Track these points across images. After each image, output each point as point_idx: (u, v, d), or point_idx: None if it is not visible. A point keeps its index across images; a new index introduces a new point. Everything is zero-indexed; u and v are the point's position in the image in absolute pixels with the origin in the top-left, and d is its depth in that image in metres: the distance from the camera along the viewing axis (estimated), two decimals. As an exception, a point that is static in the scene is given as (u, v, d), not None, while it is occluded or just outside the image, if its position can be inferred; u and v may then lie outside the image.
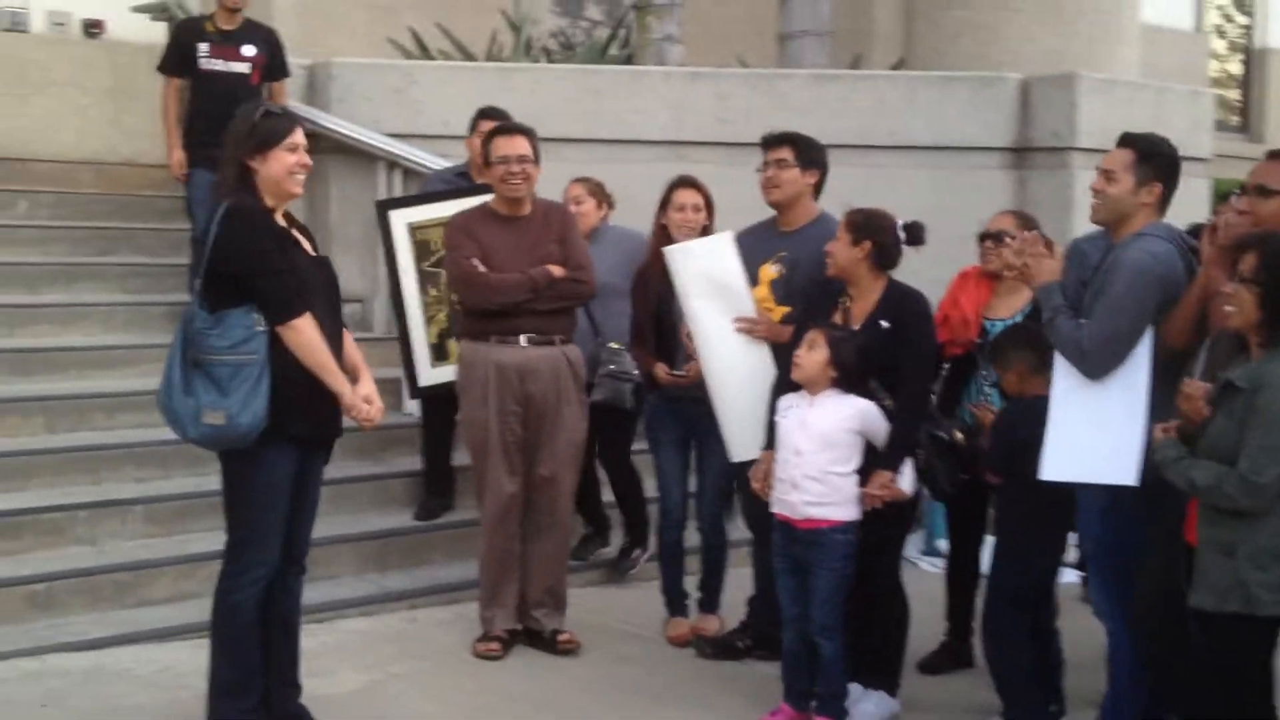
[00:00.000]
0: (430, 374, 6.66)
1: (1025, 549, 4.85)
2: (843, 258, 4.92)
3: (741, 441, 5.25)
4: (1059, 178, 7.73)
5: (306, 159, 4.33)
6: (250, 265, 4.19)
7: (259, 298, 4.19)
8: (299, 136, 4.32)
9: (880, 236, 4.93)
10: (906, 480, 4.81)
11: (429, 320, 6.69)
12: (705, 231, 5.68)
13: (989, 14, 9.85)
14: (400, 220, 6.72)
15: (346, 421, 6.50)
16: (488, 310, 5.43)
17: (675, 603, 5.89)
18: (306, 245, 4.43)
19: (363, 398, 4.37)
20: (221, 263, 4.20)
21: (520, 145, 5.48)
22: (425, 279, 6.69)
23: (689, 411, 5.63)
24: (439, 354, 6.65)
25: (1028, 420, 4.71)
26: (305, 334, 4.21)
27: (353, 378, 4.42)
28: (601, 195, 6.49)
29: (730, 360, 5.30)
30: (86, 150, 9.91)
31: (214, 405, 4.13)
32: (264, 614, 4.41)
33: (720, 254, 5.34)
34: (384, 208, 6.83)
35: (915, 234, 5.05)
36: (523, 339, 5.41)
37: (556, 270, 5.41)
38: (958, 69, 9.30)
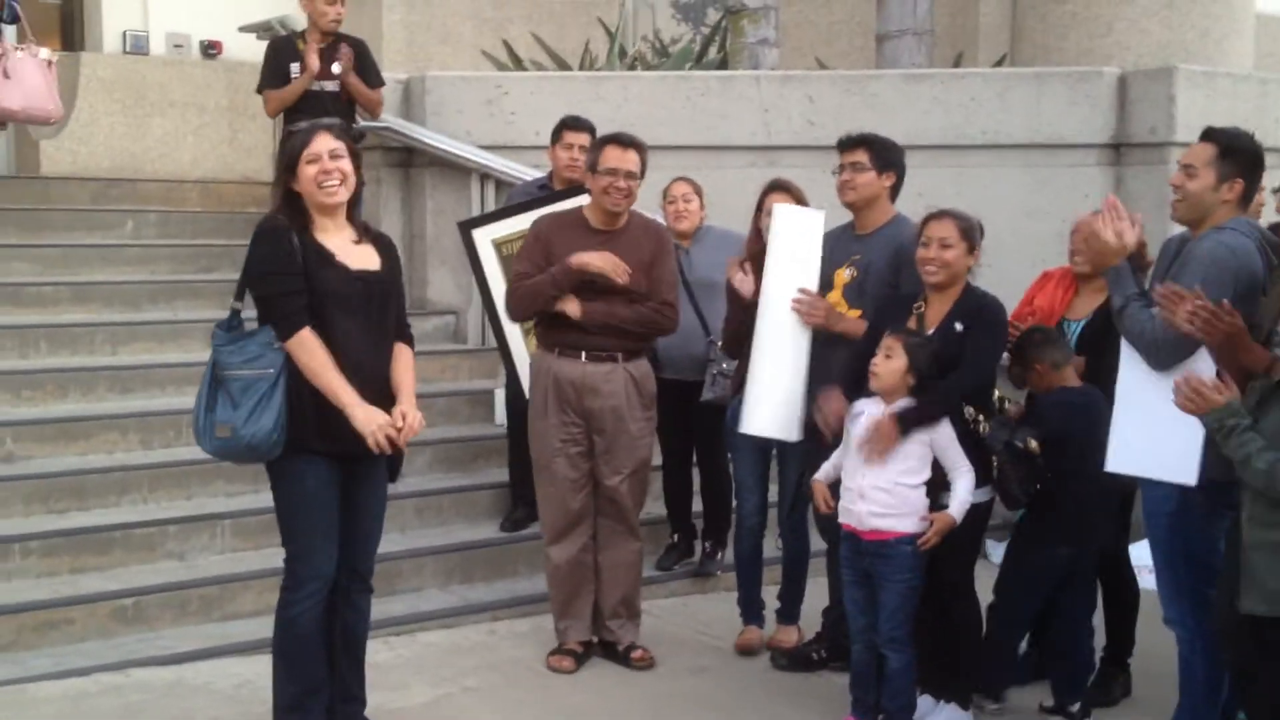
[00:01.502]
0: None
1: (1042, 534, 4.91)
2: (960, 267, 4.86)
3: (754, 414, 5.28)
4: (1157, 174, 7.50)
5: (329, 166, 4.33)
6: (258, 284, 4.33)
7: (267, 315, 4.31)
8: (317, 146, 4.34)
9: (979, 242, 4.92)
10: (964, 491, 4.71)
11: (525, 334, 6.70)
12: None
13: (1099, 7, 9.64)
14: (484, 238, 6.74)
15: (437, 433, 6.65)
16: (527, 318, 5.45)
17: (749, 612, 5.85)
18: (352, 260, 4.40)
19: (399, 414, 4.36)
20: (245, 278, 4.39)
21: (631, 160, 5.43)
22: None
23: None
24: None
25: (1056, 415, 4.80)
26: (304, 351, 4.25)
27: (395, 395, 4.44)
28: (701, 195, 6.48)
29: (775, 332, 5.28)
30: (202, 169, 10.22)
31: (225, 419, 4.24)
32: (328, 630, 4.47)
33: (810, 228, 5.30)
34: (466, 228, 6.85)
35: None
36: (583, 354, 5.40)
37: (592, 260, 5.29)
38: (1066, 64, 9.12)
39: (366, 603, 4.62)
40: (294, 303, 4.27)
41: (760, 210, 5.72)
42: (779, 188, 5.73)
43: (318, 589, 4.38)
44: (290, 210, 4.38)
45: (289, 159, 4.37)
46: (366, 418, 4.27)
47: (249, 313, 4.40)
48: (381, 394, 4.42)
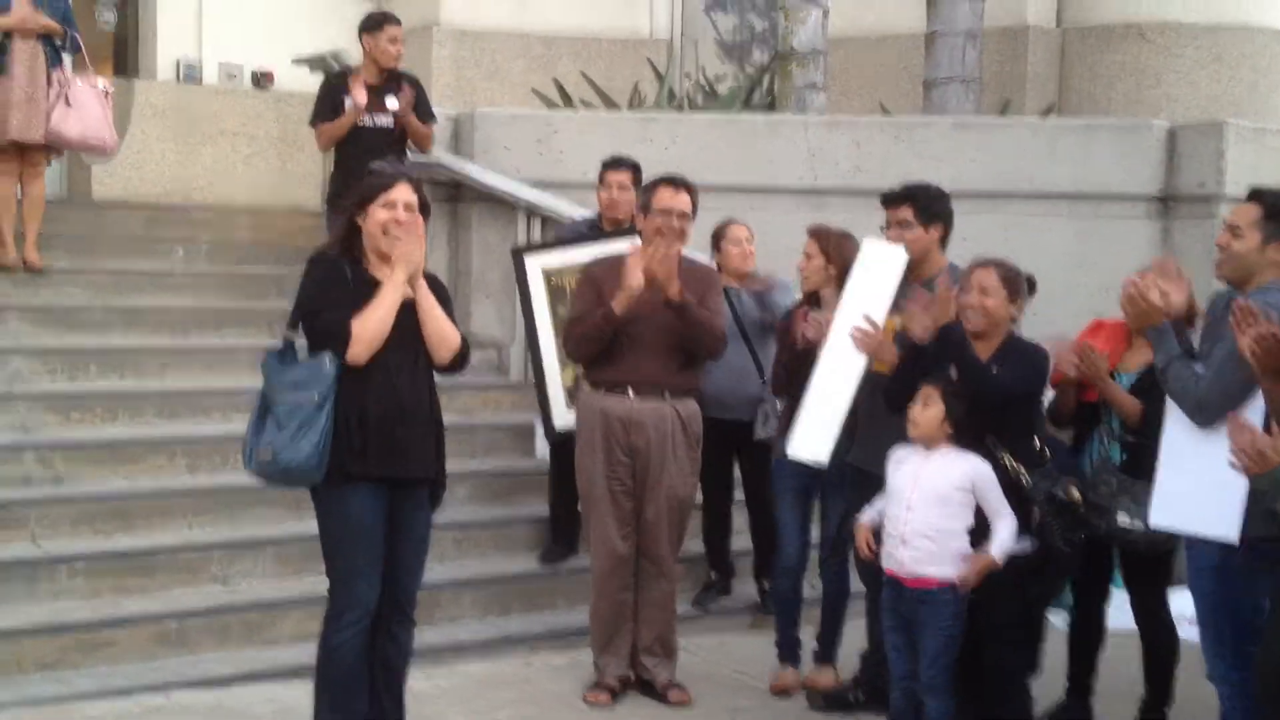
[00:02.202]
0: (565, 417, 6.69)
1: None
2: (1000, 314, 4.91)
3: (794, 437, 5.29)
4: (1205, 228, 7.49)
5: (401, 215, 4.40)
6: (311, 305, 4.39)
7: (321, 336, 4.34)
8: (396, 194, 4.41)
9: (1024, 292, 4.97)
10: (1006, 534, 4.71)
11: (564, 365, 6.77)
12: (839, 281, 5.59)
13: (1148, 58, 9.69)
14: (535, 265, 6.84)
15: (472, 465, 6.69)
16: (588, 358, 5.49)
17: (786, 653, 5.86)
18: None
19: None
20: (296, 306, 4.46)
21: (684, 201, 5.50)
22: (560, 324, 6.77)
23: None
24: (574, 398, 6.71)
25: None
26: (362, 336, 4.29)
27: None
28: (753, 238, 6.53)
29: (832, 360, 5.27)
30: (251, 198, 10.32)
31: (268, 442, 4.29)
32: (371, 660, 4.47)
33: (892, 265, 5.27)
34: (519, 254, 6.96)
35: (1031, 286, 5.05)
36: (630, 391, 5.44)
37: (632, 284, 5.31)
38: (1113, 114, 9.15)
39: (408, 635, 4.61)
40: (334, 316, 4.32)
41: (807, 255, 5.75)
42: (810, 233, 5.77)
43: (359, 617, 4.39)
44: (348, 243, 4.46)
45: (365, 195, 4.44)
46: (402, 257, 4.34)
47: (303, 340, 4.45)
48: (424, 428, 4.50)
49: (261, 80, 10.96)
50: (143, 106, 10.25)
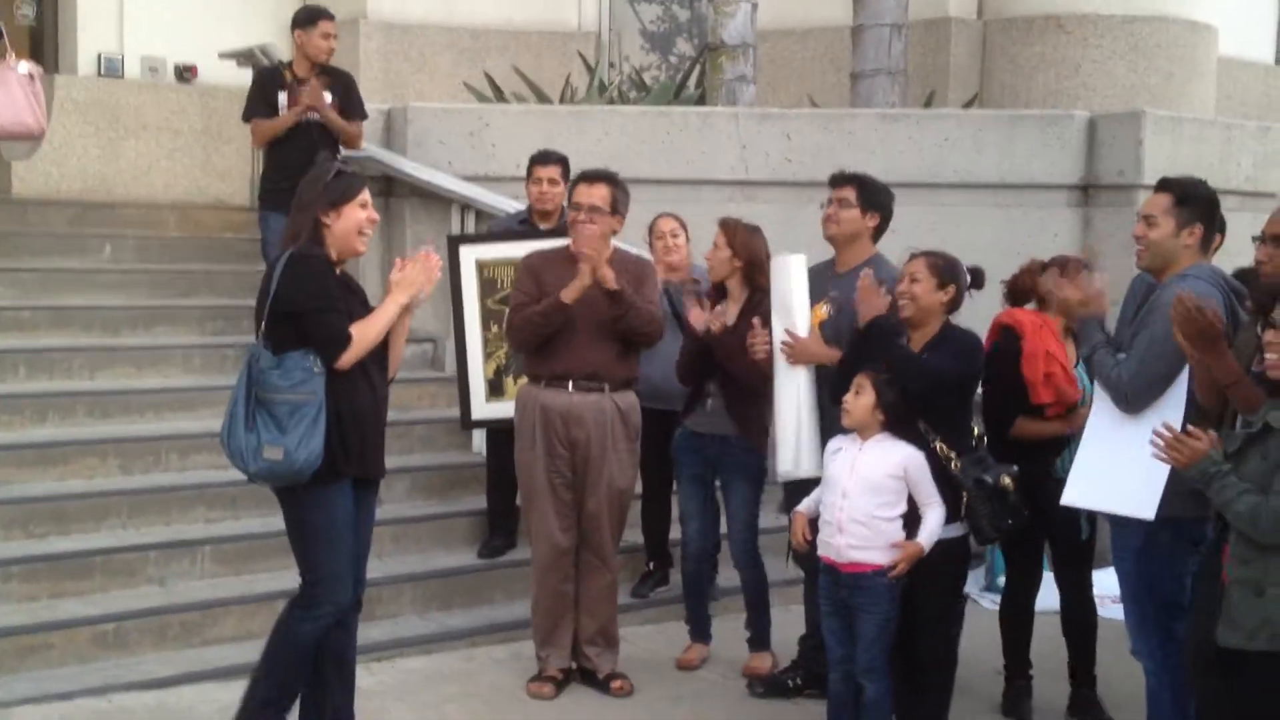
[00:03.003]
0: (483, 408, 6.81)
1: None
2: (927, 301, 4.97)
3: (780, 459, 5.37)
4: (1125, 215, 7.65)
5: (375, 215, 4.56)
6: (304, 305, 4.38)
7: (313, 336, 4.38)
8: (366, 195, 4.54)
9: (959, 282, 5.03)
10: (934, 523, 4.81)
11: (488, 356, 6.83)
12: (745, 273, 5.78)
13: (1066, 50, 9.86)
14: (470, 256, 6.89)
15: (409, 461, 6.71)
16: (532, 345, 5.53)
17: (696, 630, 6.04)
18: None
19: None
20: (280, 304, 4.40)
21: (596, 194, 5.55)
22: (489, 315, 6.84)
23: (711, 448, 5.82)
24: (494, 390, 6.80)
25: None
26: (358, 343, 4.41)
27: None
28: (687, 230, 6.58)
29: (781, 380, 5.38)
30: (175, 193, 10.23)
31: (274, 441, 4.30)
32: (322, 650, 4.56)
33: (796, 273, 5.39)
34: (455, 243, 7.00)
35: (978, 279, 5.16)
36: (569, 384, 5.48)
37: (575, 286, 5.37)
38: (1033, 106, 9.31)
39: (355, 623, 4.74)
40: (340, 321, 4.42)
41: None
42: (719, 224, 5.84)
43: (332, 614, 4.49)
44: (309, 241, 4.48)
45: (340, 196, 4.48)
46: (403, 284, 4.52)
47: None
48: (382, 428, 4.65)
49: (184, 74, 10.84)
50: (63, 101, 10.10)
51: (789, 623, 5.98)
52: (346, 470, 4.44)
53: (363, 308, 4.57)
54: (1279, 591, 3.73)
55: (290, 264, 4.44)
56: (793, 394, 5.33)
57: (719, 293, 5.85)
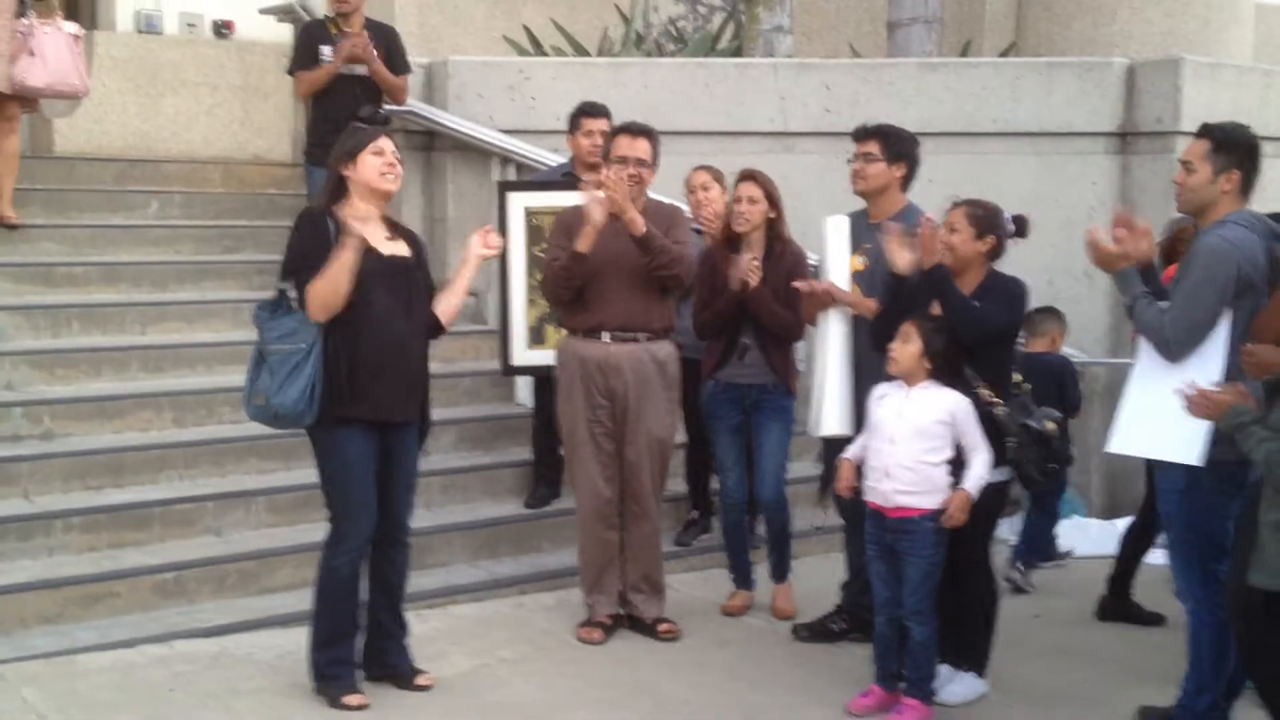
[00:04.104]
0: (524, 354, 6.89)
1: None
2: (965, 251, 5.02)
3: (826, 416, 5.43)
4: (1163, 163, 7.66)
5: (394, 160, 4.86)
6: (293, 263, 4.74)
7: (301, 291, 4.69)
8: (384, 143, 4.85)
9: (999, 231, 5.07)
10: (980, 469, 4.87)
11: (531, 303, 6.89)
12: (770, 224, 5.84)
13: (1103, -4, 9.79)
14: (518, 202, 6.94)
15: (455, 413, 6.82)
16: (563, 299, 5.62)
17: (740, 578, 6.15)
18: (384, 248, 4.82)
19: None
20: (288, 259, 4.79)
21: (640, 148, 5.61)
22: (534, 263, 6.89)
23: (749, 397, 5.90)
24: (536, 337, 6.88)
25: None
26: (311, 300, 4.66)
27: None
28: (723, 182, 6.59)
29: (823, 336, 5.45)
30: (215, 149, 10.31)
31: (261, 389, 4.68)
32: (370, 579, 4.98)
33: (839, 233, 5.48)
34: (504, 188, 7.08)
35: (1022, 227, 5.20)
36: (605, 335, 5.57)
37: (593, 216, 5.42)
38: (1070, 53, 9.27)
39: (403, 557, 5.09)
40: (308, 281, 4.69)
41: (739, 199, 5.87)
42: (745, 177, 5.88)
43: (357, 545, 4.86)
44: (335, 197, 4.78)
45: (352, 148, 4.78)
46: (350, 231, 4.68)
47: (294, 292, 4.76)
48: (413, 375, 4.87)
49: (222, 30, 10.90)
50: (102, 58, 10.16)
51: (831, 569, 6.07)
52: (352, 414, 4.71)
53: (370, 258, 4.73)
54: None
55: (294, 224, 4.88)
56: (835, 353, 5.40)
57: (730, 246, 5.89)
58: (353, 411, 4.71)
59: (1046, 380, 6.27)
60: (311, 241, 4.72)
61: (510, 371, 7.01)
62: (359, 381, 4.70)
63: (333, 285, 4.64)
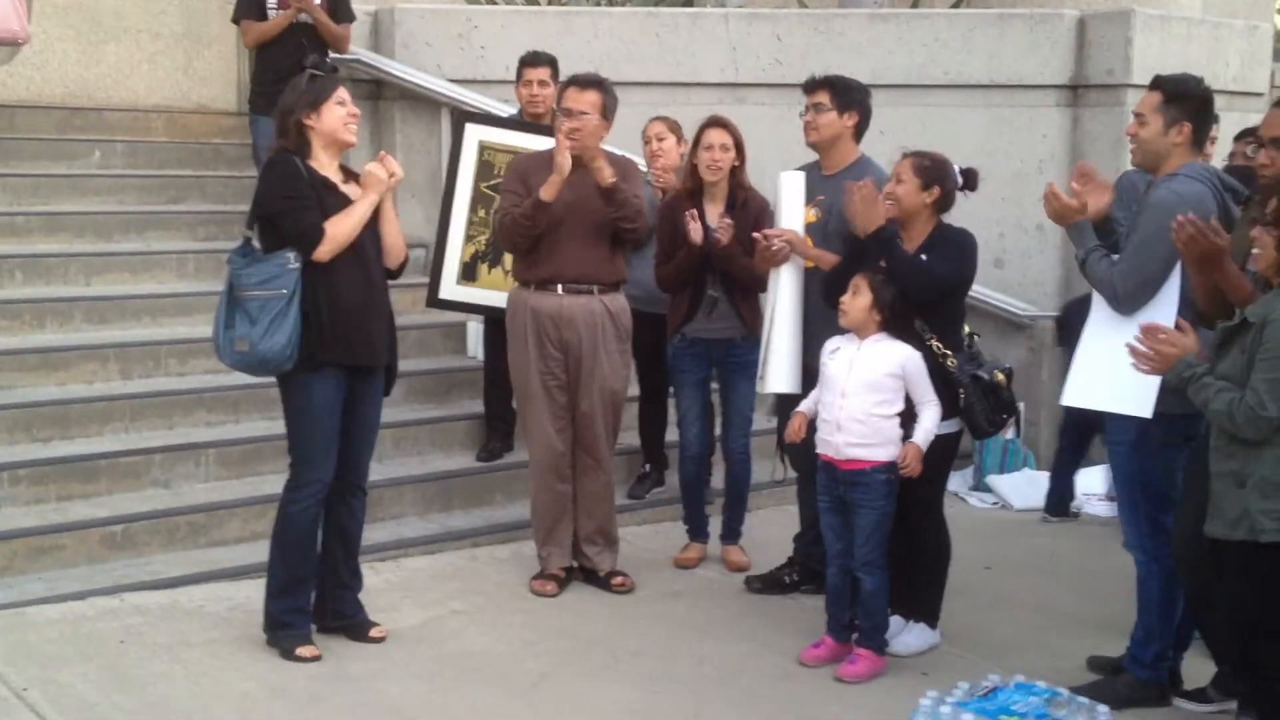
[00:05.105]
0: (453, 289, 6.88)
1: None
2: (910, 202, 5.02)
3: (773, 374, 5.44)
4: (1114, 115, 7.71)
5: (355, 110, 4.84)
6: (279, 206, 4.71)
7: (287, 235, 4.67)
8: (344, 93, 4.85)
9: (946, 183, 5.06)
10: (930, 422, 4.90)
11: (469, 239, 6.87)
12: (733, 172, 5.81)
13: (1055, -54, 9.78)
14: (474, 135, 6.90)
15: (406, 366, 6.79)
16: (520, 247, 5.58)
17: (694, 530, 6.19)
18: (352, 193, 4.84)
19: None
20: (259, 206, 4.75)
21: (588, 100, 5.53)
22: (478, 199, 6.86)
23: (717, 351, 5.91)
24: (467, 273, 6.87)
25: None
26: (332, 237, 4.69)
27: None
28: (680, 133, 6.56)
29: (776, 293, 5.44)
30: (157, 97, 10.12)
31: (243, 335, 4.67)
32: (325, 527, 4.98)
33: (794, 187, 5.45)
34: (462, 118, 7.02)
35: (970, 180, 5.19)
36: (559, 288, 5.54)
37: (554, 179, 5.38)
38: (1021, 5, 9.25)
39: (361, 505, 5.11)
40: (310, 217, 4.68)
41: (697, 145, 5.83)
42: (714, 124, 5.84)
43: (318, 490, 4.85)
44: (298, 143, 4.76)
45: (316, 96, 4.76)
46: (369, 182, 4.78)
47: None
48: (383, 320, 4.91)
49: (164, -26, 10.68)
50: (43, 4, 9.90)
51: (783, 521, 6.11)
52: (327, 357, 4.73)
53: (338, 201, 4.78)
54: (1257, 480, 3.83)
55: (266, 168, 4.83)
56: (785, 309, 5.40)
57: (691, 198, 5.87)
58: (329, 355, 4.73)
59: None
60: (294, 183, 4.71)
61: (436, 303, 6.96)
62: (337, 326, 4.72)
63: (353, 227, 4.70)
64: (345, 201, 4.77)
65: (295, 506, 4.84)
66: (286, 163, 4.74)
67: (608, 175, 5.43)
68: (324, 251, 4.67)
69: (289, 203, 4.68)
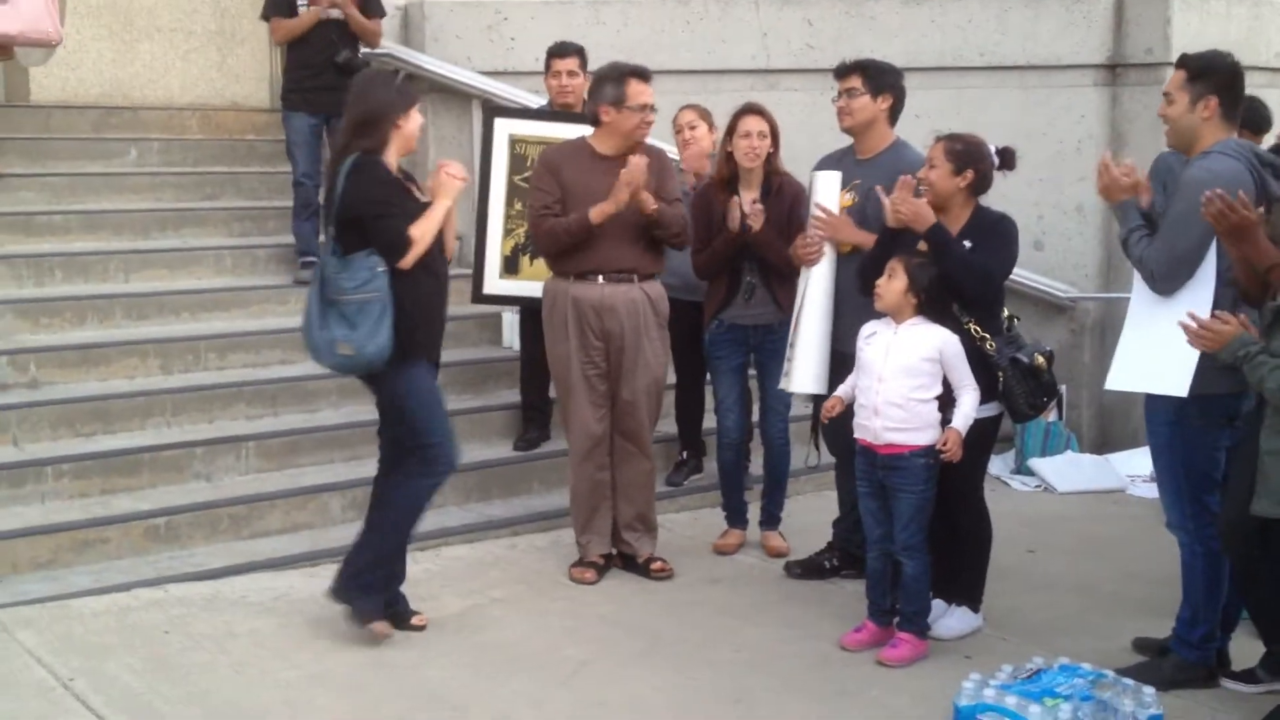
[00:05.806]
0: (496, 284, 6.89)
1: None
2: (944, 187, 4.98)
3: (800, 374, 5.44)
4: (1153, 95, 7.56)
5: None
6: (370, 210, 4.69)
7: (375, 240, 4.68)
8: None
9: (980, 165, 5.01)
10: (968, 407, 4.87)
11: (507, 232, 6.88)
12: (768, 159, 5.79)
13: (1091, -76, 9.71)
14: (504, 129, 6.91)
15: (448, 356, 6.84)
16: (552, 255, 5.61)
17: (733, 517, 6.17)
18: (417, 192, 4.89)
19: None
20: (346, 210, 4.71)
21: (652, 93, 5.55)
22: (514, 191, 6.86)
23: (755, 337, 5.89)
24: (509, 267, 6.88)
25: None
26: (420, 241, 4.72)
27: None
28: (710, 121, 6.55)
29: (810, 293, 5.41)
30: (192, 95, 10.17)
31: (345, 339, 4.70)
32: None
33: (830, 187, 5.44)
34: (491, 113, 7.03)
35: (1008, 159, 5.13)
36: (600, 278, 5.54)
37: (607, 208, 5.41)
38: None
39: None
40: (402, 225, 4.70)
41: (732, 133, 5.80)
42: (750, 111, 5.81)
43: (446, 472, 4.99)
44: (380, 142, 4.77)
45: (412, 99, 4.87)
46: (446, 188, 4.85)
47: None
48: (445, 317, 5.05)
49: (197, -27, 10.73)
50: (76, 4, 10.00)
51: (822, 506, 6.10)
52: (422, 352, 4.87)
53: (419, 205, 4.81)
54: None
55: (354, 170, 4.72)
56: (814, 308, 5.38)
57: (727, 186, 5.85)
58: (419, 352, 4.84)
59: None
60: (387, 188, 4.73)
61: (480, 299, 6.96)
62: (424, 324, 4.83)
63: (434, 234, 4.75)
64: (419, 204, 4.81)
65: (428, 483, 4.93)
66: (377, 166, 4.74)
67: (650, 205, 5.44)
68: (411, 259, 4.71)
69: (384, 208, 4.70)
